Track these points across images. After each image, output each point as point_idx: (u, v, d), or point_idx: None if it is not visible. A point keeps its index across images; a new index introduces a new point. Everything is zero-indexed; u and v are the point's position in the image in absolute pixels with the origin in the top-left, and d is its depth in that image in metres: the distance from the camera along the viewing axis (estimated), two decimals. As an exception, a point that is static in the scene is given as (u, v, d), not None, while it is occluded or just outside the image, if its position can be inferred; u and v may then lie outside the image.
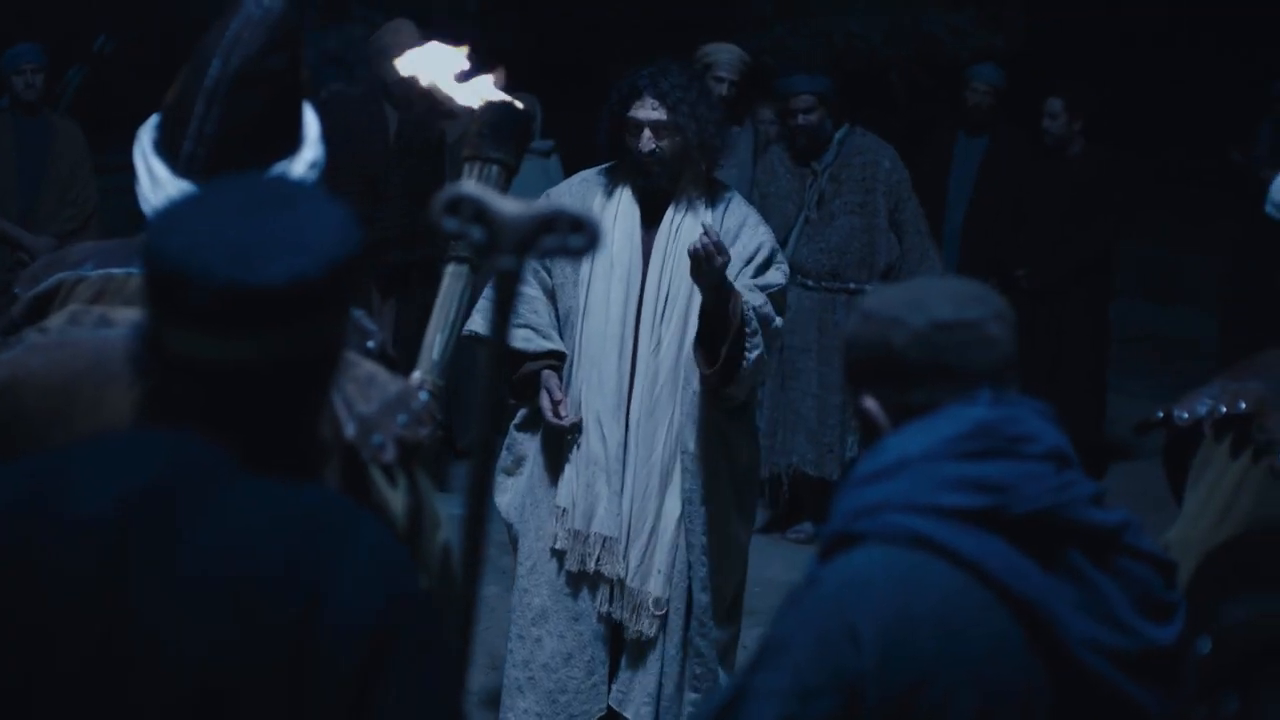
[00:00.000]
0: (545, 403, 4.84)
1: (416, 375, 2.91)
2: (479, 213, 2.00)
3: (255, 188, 2.06)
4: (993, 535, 2.22)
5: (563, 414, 4.83)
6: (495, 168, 3.14)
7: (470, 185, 2.05)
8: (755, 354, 4.71)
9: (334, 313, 2.01)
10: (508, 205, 2.00)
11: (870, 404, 2.36)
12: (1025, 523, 2.23)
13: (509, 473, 5.05)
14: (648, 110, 4.77)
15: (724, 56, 8.03)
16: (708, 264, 4.47)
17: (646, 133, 4.78)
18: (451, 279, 3.05)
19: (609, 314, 4.83)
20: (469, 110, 3.15)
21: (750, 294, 4.72)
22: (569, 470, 4.88)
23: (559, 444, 4.90)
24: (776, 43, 11.71)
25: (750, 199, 7.31)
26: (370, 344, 2.64)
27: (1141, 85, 11.75)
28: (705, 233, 4.49)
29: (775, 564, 6.92)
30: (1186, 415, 3.19)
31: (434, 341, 3.00)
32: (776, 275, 4.90)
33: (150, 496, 1.92)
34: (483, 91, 3.13)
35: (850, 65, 10.15)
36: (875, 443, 2.33)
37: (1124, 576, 2.28)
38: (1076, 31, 12.17)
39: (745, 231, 4.87)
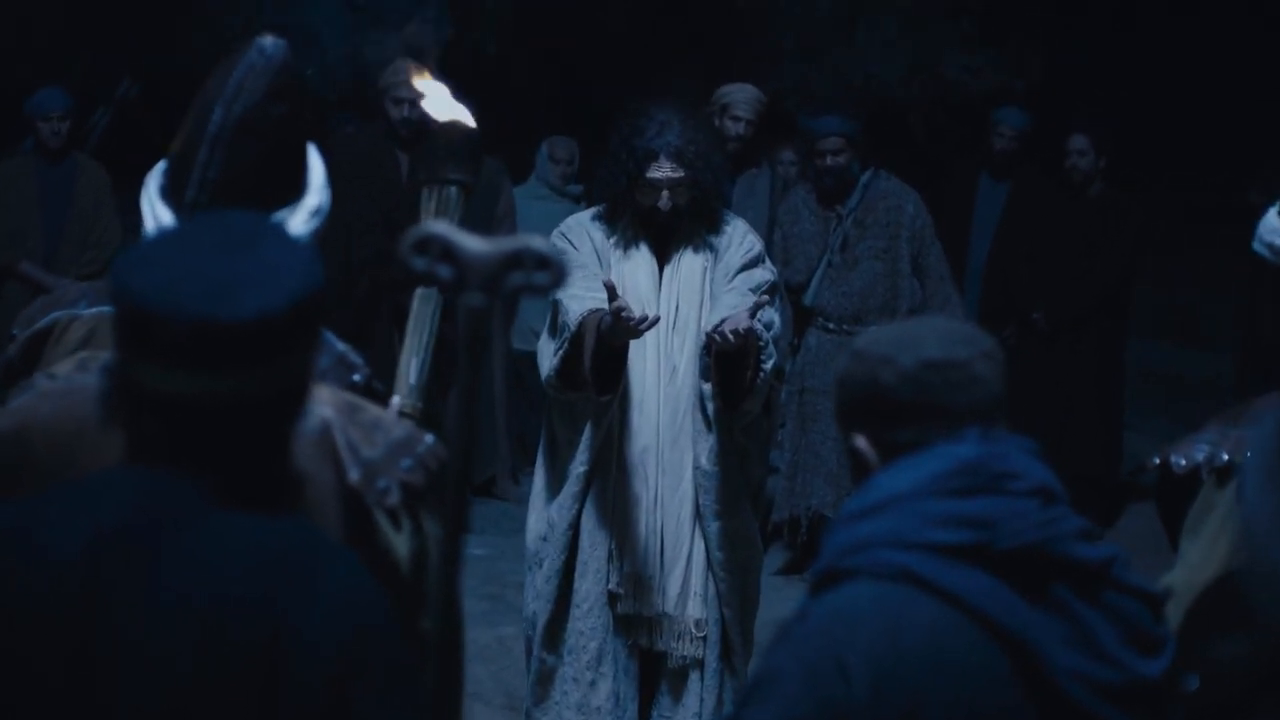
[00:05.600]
0: (614, 310, 4.52)
1: (395, 400, 2.92)
2: (446, 251, 2.00)
3: (222, 226, 2.09)
4: (979, 570, 2.25)
5: (638, 313, 4.57)
6: (454, 189, 3.13)
7: (438, 224, 2.05)
8: (769, 363, 4.78)
9: (302, 348, 2.05)
10: (474, 243, 2.00)
11: (861, 443, 2.40)
12: (1012, 558, 2.26)
13: (531, 568, 5.08)
14: (666, 171, 4.82)
15: (740, 96, 8.03)
16: (728, 345, 4.56)
17: (665, 193, 4.84)
18: (421, 302, 3.06)
19: (645, 358, 4.90)
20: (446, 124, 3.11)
21: (752, 308, 4.73)
22: (618, 514, 4.92)
23: (609, 488, 4.93)
24: (798, 83, 11.72)
25: (770, 240, 7.35)
26: (356, 377, 2.66)
27: (1160, 125, 11.75)
28: (712, 335, 4.60)
29: (791, 605, 6.90)
30: (1184, 462, 3.19)
31: (409, 366, 3.00)
32: (765, 274, 4.97)
33: (121, 534, 1.96)
34: (443, 109, 3.10)
35: (868, 106, 10.14)
36: (865, 480, 2.36)
37: (1111, 610, 2.31)
38: (1095, 72, 12.17)
39: (734, 243, 4.96)
